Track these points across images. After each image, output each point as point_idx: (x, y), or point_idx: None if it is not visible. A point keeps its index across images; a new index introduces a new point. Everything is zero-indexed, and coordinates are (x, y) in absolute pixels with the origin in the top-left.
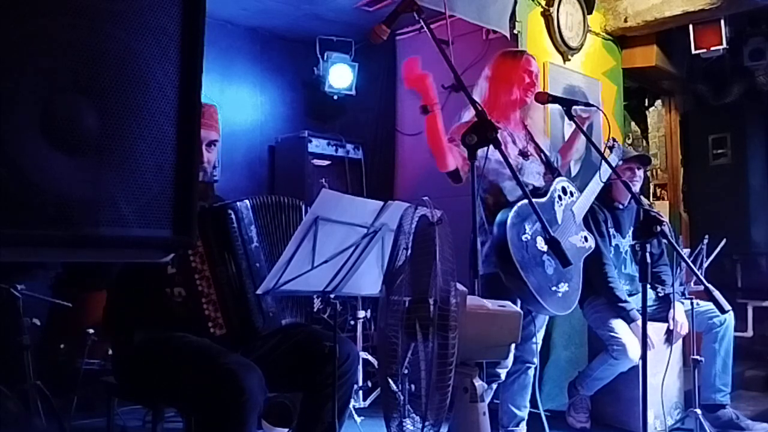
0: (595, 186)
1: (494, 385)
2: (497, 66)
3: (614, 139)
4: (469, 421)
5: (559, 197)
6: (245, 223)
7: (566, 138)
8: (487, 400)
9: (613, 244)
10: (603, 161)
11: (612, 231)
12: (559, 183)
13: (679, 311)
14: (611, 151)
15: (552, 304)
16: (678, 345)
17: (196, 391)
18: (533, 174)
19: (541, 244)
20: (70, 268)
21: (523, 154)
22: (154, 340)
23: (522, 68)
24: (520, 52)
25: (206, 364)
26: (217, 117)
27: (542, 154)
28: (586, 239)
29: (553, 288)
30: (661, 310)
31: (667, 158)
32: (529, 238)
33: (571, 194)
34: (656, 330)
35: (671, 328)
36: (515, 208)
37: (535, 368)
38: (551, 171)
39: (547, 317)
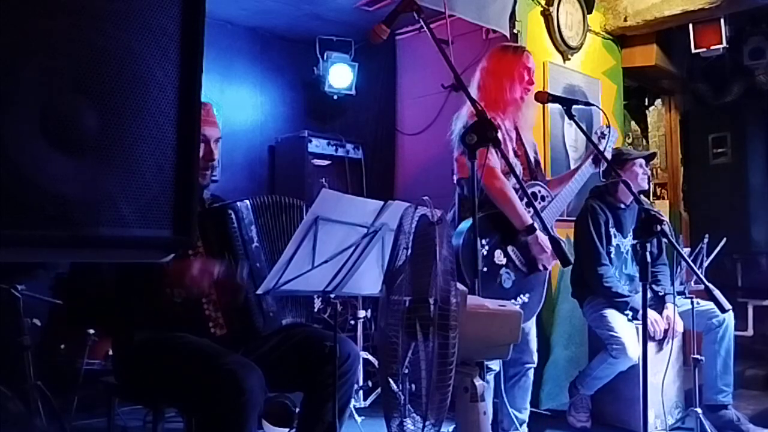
0: (579, 178)
1: (490, 378)
2: (497, 60)
3: (607, 126)
4: (470, 421)
5: (528, 203)
6: (245, 223)
7: (565, 136)
8: (489, 398)
9: (614, 244)
10: (602, 158)
11: (613, 231)
12: (531, 188)
13: (672, 311)
14: (604, 138)
15: None
16: (678, 344)
17: (197, 391)
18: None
19: (500, 258)
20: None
21: (514, 153)
22: (155, 340)
23: (523, 65)
24: (519, 47)
25: (206, 364)
26: (213, 113)
27: (527, 154)
28: None
29: (510, 301)
30: (657, 310)
31: (667, 157)
32: (485, 252)
33: (543, 199)
34: (657, 319)
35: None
36: (471, 221)
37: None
38: (530, 172)
39: (535, 316)
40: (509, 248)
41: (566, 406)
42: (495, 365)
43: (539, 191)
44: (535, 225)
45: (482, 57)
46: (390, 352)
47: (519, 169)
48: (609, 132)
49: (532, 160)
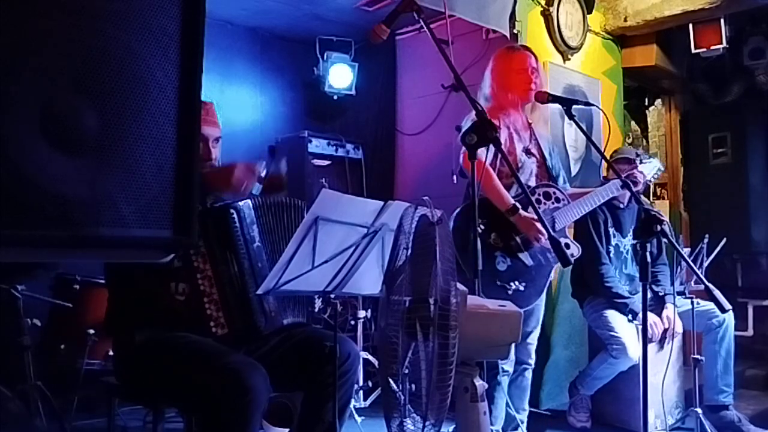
0: (604, 193)
1: (504, 380)
2: (498, 65)
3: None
4: (470, 421)
5: (538, 201)
6: (247, 223)
7: (565, 136)
8: (503, 399)
9: (613, 243)
10: (603, 159)
11: (612, 231)
12: (543, 188)
13: (671, 311)
14: (641, 163)
15: (494, 297)
16: (678, 344)
17: (201, 391)
18: (527, 173)
19: (496, 240)
20: None
21: (527, 151)
22: (156, 340)
23: (522, 65)
24: (518, 48)
25: (210, 363)
26: (214, 112)
27: (543, 156)
28: (567, 246)
29: (500, 283)
30: (657, 310)
31: (667, 157)
32: (480, 231)
33: (557, 200)
34: (657, 321)
35: (665, 326)
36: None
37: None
38: (547, 173)
39: (541, 316)
40: (503, 232)
41: (566, 406)
42: (509, 366)
43: (554, 192)
44: (518, 205)
45: (483, 60)
46: (390, 352)
47: (534, 167)
48: (648, 160)
49: (551, 164)
